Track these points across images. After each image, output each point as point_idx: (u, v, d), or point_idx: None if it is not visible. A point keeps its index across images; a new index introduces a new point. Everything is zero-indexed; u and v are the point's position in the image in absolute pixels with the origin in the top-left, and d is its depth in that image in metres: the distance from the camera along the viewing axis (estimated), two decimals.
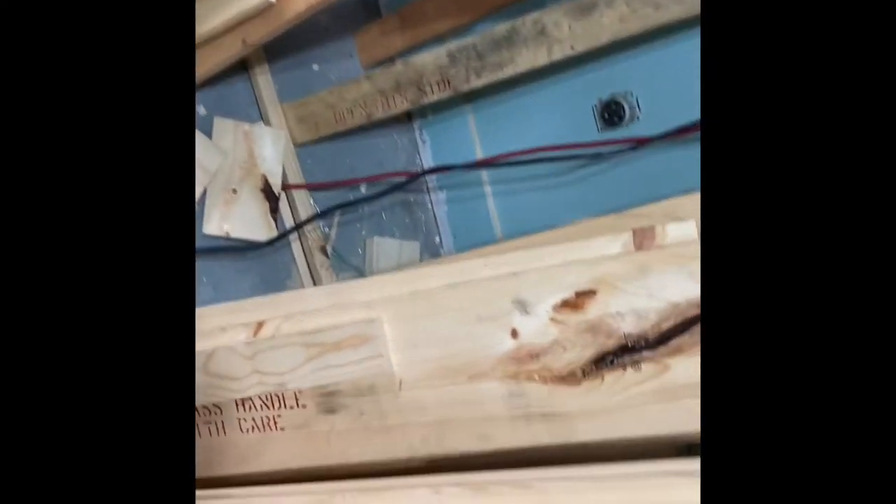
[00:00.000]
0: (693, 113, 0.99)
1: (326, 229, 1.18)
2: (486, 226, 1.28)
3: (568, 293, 0.66)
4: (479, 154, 1.27)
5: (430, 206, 1.33)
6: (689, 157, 0.95)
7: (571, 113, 1.10)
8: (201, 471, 0.86)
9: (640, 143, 0.86)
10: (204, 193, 0.99)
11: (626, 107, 1.03)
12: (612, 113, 1.05)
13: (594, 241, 0.66)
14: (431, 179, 1.33)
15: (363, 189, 1.23)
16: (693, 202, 0.69)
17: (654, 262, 0.63)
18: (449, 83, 0.97)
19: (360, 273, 1.22)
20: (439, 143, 1.32)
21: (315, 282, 1.12)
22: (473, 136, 1.26)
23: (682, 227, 0.64)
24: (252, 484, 0.85)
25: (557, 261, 0.67)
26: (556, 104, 1.12)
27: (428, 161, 1.34)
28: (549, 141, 1.16)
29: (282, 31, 0.79)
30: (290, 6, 0.74)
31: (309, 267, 1.12)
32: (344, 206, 1.20)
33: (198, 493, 0.76)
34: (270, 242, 1.05)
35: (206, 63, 0.93)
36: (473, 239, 1.32)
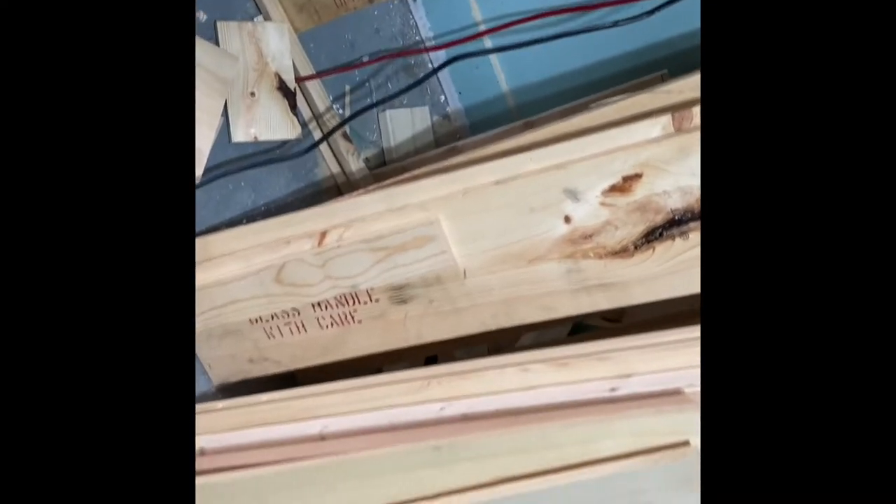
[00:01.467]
0: None
1: (340, 111, 1.20)
2: (489, 79, 1.30)
3: (615, 179, 0.72)
4: (474, 5, 1.26)
5: (430, 66, 1.34)
6: None
7: None
8: (288, 365, 0.96)
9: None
10: (225, 104, 1.01)
11: None
12: None
13: (635, 127, 0.71)
14: (429, 40, 1.32)
15: (365, 59, 1.24)
16: None
17: (694, 143, 0.68)
18: None
19: (380, 148, 1.25)
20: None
21: (342, 167, 1.16)
22: None
23: None
24: (335, 371, 0.95)
25: (602, 149, 0.72)
26: None
27: (422, 19, 1.33)
28: None
29: None
30: None
31: (334, 153, 1.15)
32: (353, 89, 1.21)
33: (294, 394, 0.85)
34: (311, 147, 1.09)
35: None
36: (479, 94, 1.34)
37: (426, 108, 1.31)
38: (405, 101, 1.29)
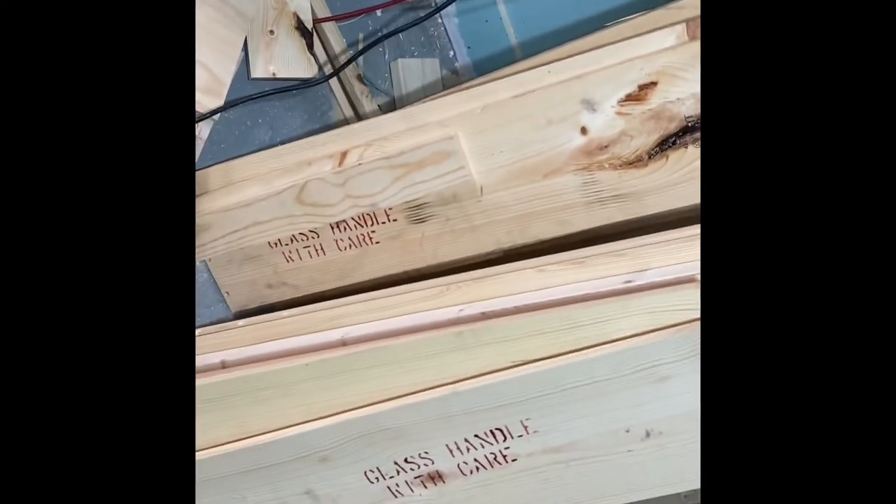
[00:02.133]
0: None
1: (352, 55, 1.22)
2: (499, 32, 1.33)
3: (631, 88, 0.75)
4: None
5: (440, 19, 1.37)
6: None
7: None
8: (306, 289, 0.98)
9: None
10: (245, 41, 1.03)
11: None
12: None
13: (650, 37, 0.74)
14: None
15: (379, 13, 1.27)
16: None
17: None
18: None
19: (391, 97, 1.28)
20: None
21: (355, 109, 1.19)
22: None
23: None
24: (354, 294, 0.97)
25: (618, 59, 0.75)
26: None
27: None
28: None
29: None
30: None
31: (348, 96, 1.18)
32: (368, 38, 1.24)
33: (314, 308, 0.88)
34: (328, 77, 1.12)
35: None
36: (487, 49, 1.36)
37: (436, 60, 1.34)
38: (416, 53, 1.32)
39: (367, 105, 1.18)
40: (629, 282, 0.68)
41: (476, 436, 0.68)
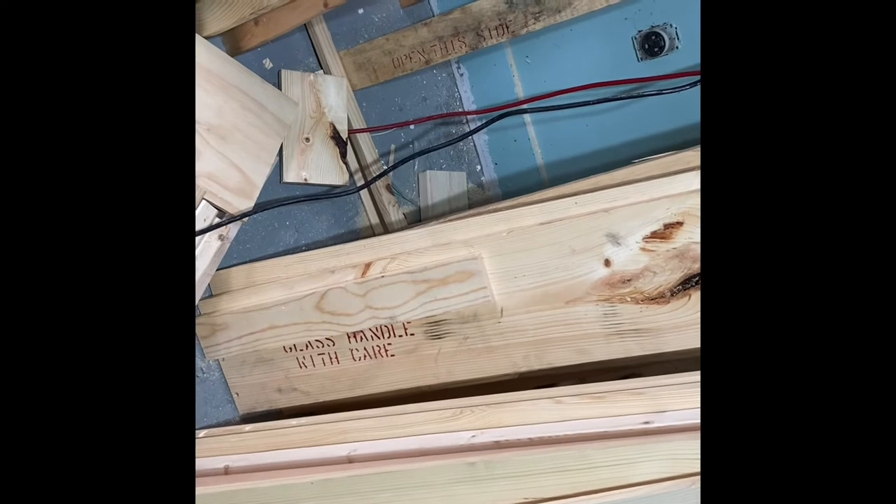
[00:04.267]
0: None
1: (384, 166, 1.25)
2: (526, 152, 1.36)
3: (657, 226, 0.76)
4: (518, 84, 1.34)
5: (471, 137, 1.41)
6: None
7: (611, 44, 1.17)
8: (316, 396, 0.97)
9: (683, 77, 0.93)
10: (281, 146, 1.06)
11: (666, 38, 1.10)
12: (651, 44, 1.11)
13: (678, 178, 0.76)
14: (471, 109, 1.40)
15: (412, 126, 1.31)
16: None
17: None
18: (507, 28, 1.03)
19: (417, 207, 1.30)
20: (477, 75, 1.38)
21: (381, 217, 1.21)
22: (511, 67, 1.32)
23: None
24: (364, 405, 0.96)
25: (646, 197, 0.76)
26: (595, 35, 1.18)
27: (467, 93, 1.41)
28: (589, 72, 1.23)
29: None
30: None
31: (375, 204, 1.20)
32: (399, 148, 1.28)
33: (322, 419, 0.87)
34: (359, 188, 1.13)
35: (284, 24, 0.99)
36: (514, 166, 1.39)
37: (464, 174, 1.37)
38: (444, 165, 1.35)
39: (394, 214, 1.20)
40: (647, 423, 0.67)
41: None
